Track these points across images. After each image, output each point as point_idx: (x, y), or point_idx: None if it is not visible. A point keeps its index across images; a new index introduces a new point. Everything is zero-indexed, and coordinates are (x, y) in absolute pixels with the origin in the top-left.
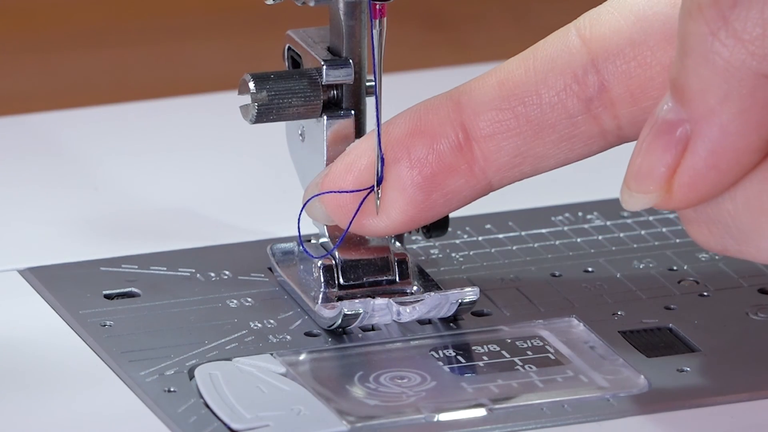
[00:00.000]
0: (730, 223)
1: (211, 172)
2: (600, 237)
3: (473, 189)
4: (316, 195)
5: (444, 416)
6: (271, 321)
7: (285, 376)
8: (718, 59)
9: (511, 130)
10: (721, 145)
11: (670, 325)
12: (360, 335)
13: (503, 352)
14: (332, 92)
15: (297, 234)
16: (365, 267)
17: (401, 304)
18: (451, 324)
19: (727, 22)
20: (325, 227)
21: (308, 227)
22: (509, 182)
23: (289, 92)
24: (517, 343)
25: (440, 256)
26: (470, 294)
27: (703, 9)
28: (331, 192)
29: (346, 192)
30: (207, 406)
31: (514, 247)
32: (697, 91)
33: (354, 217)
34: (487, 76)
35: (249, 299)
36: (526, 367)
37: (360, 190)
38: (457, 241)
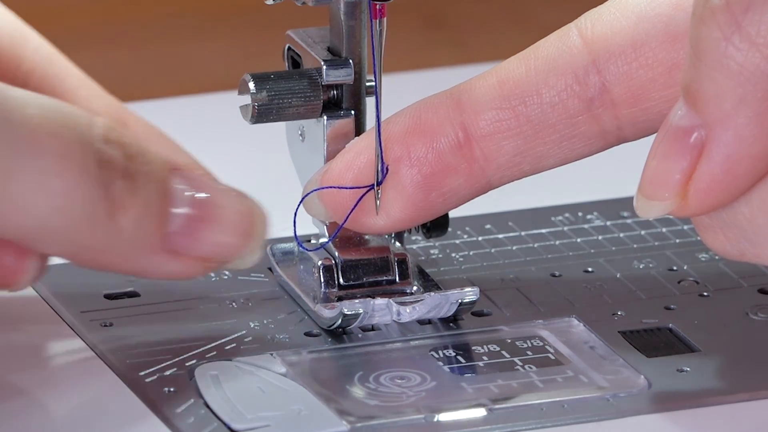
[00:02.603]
0: (747, 227)
1: (211, 171)
2: (600, 237)
3: (473, 188)
4: (315, 190)
5: (444, 416)
6: (271, 321)
7: (285, 376)
8: (732, 64)
9: (511, 130)
10: (736, 150)
11: (670, 325)
12: (360, 335)
13: (503, 352)
14: (332, 92)
15: (296, 233)
16: (365, 267)
17: (401, 304)
18: (451, 324)
19: (741, 26)
20: (324, 227)
21: (308, 227)
22: (509, 181)
23: (289, 92)
24: (517, 343)
25: (440, 256)
26: (470, 294)
27: (715, 14)
28: (330, 188)
29: (346, 188)
30: (207, 406)
31: (514, 247)
32: (711, 96)
33: (351, 212)
34: (487, 75)
35: (249, 299)
36: (526, 367)
37: (360, 187)
38: (457, 241)
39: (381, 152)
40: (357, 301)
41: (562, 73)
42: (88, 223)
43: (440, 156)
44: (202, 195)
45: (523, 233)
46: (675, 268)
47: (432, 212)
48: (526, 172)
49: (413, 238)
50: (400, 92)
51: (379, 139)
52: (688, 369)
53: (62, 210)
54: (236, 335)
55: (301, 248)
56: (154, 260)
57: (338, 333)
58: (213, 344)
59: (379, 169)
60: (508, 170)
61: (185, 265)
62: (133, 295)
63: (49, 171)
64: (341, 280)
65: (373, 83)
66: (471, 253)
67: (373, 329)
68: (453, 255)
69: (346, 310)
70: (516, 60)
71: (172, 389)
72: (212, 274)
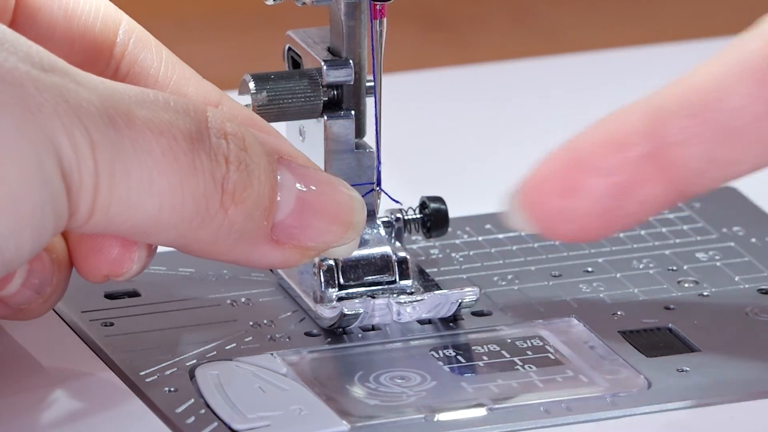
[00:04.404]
0: None
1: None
2: None
3: (665, 197)
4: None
5: (444, 416)
6: (271, 321)
7: (285, 376)
8: None
9: (699, 137)
10: None
11: (670, 325)
12: (360, 335)
13: (503, 352)
14: (332, 92)
15: None
16: (365, 267)
17: (401, 304)
18: (451, 324)
19: None
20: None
21: None
22: (700, 190)
23: (289, 92)
24: (517, 343)
25: (440, 256)
26: (470, 294)
27: None
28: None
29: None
30: (207, 406)
31: (514, 247)
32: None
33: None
34: (675, 84)
35: (249, 299)
36: (526, 366)
37: (362, 184)
38: (457, 241)
39: (379, 152)
40: (357, 301)
41: (746, 78)
42: (199, 217)
43: (631, 165)
44: (307, 185)
45: (523, 233)
46: (675, 268)
47: (623, 222)
48: (717, 179)
49: (413, 238)
50: (400, 92)
51: (379, 138)
52: (688, 369)
53: (171, 208)
54: (236, 335)
55: None
56: (258, 250)
57: (338, 333)
58: (213, 344)
59: (379, 169)
60: (698, 178)
61: (287, 254)
62: (133, 294)
63: (155, 171)
64: (341, 280)
65: (373, 83)
66: (471, 253)
67: (373, 329)
68: (453, 255)
69: (346, 310)
70: (703, 67)
71: (172, 389)
72: (211, 274)
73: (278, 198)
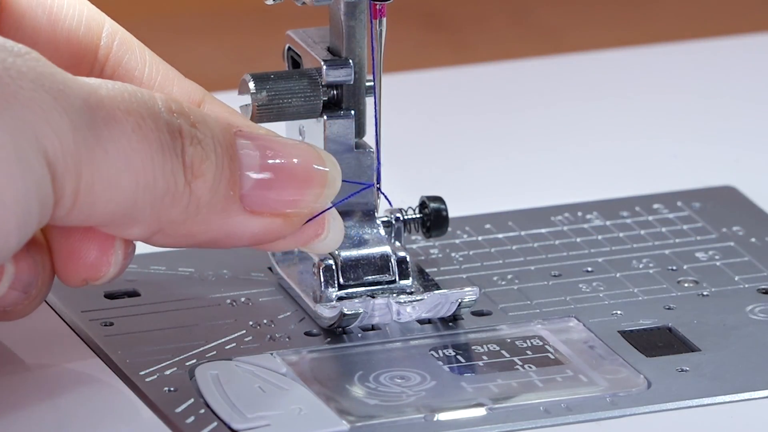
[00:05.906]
0: None
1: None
2: (599, 237)
3: None
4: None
5: (444, 416)
6: (271, 321)
7: (285, 376)
8: None
9: None
10: None
11: (670, 324)
12: (360, 335)
13: (503, 352)
14: (332, 92)
15: None
16: (365, 267)
17: (401, 303)
18: (451, 324)
19: None
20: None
21: None
22: None
23: (289, 92)
24: (516, 342)
25: (440, 256)
26: (470, 294)
27: None
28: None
29: (347, 182)
30: (207, 405)
31: (514, 247)
32: None
33: (345, 200)
34: None
35: (249, 299)
36: (525, 366)
37: (360, 183)
38: (457, 241)
39: (379, 152)
40: (357, 300)
41: None
42: (170, 195)
43: None
44: (272, 152)
45: (522, 233)
46: (674, 267)
47: None
48: None
49: (413, 238)
50: (400, 92)
51: (378, 138)
52: (688, 369)
53: (146, 186)
54: (236, 335)
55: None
56: (233, 222)
57: (338, 333)
58: (213, 344)
59: (379, 169)
60: None
61: (267, 223)
62: (133, 294)
63: (130, 148)
64: (341, 280)
65: (373, 83)
66: (471, 253)
67: (372, 329)
68: (453, 255)
69: (346, 309)
70: None
71: (172, 389)
72: (211, 274)
73: (242, 168)
